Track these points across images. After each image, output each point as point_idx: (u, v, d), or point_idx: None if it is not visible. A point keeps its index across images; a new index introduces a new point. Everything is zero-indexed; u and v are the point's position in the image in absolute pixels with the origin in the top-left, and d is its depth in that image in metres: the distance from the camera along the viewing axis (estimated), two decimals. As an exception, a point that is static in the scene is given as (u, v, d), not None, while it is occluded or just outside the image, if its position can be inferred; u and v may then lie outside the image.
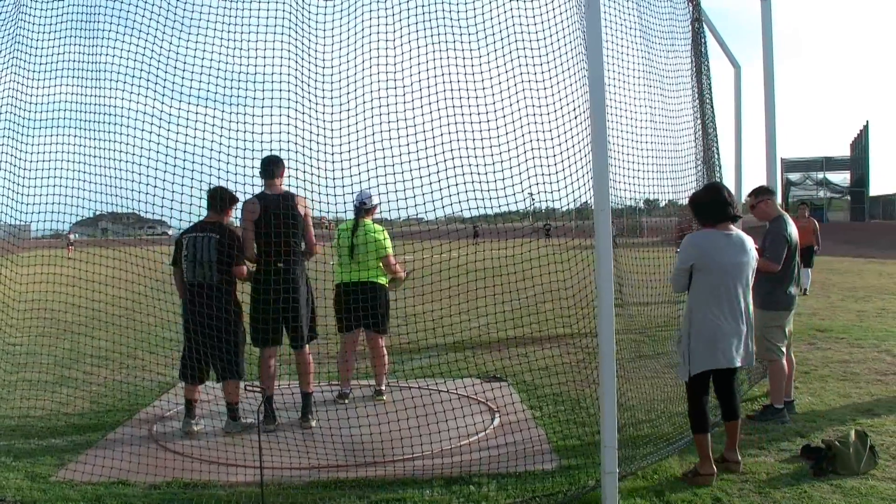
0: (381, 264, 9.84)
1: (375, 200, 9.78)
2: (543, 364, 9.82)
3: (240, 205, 8.59)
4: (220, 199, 8.53)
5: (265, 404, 8.51)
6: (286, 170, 8.63)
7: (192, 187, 7.95)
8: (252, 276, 8.67)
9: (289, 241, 8.49)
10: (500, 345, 12.09)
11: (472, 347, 11.83)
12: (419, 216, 7.36)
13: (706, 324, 6.85)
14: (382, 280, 9.94)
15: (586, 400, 9.12)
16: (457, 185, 6.99)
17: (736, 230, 7.04)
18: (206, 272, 8.41)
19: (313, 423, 8.80)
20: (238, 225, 8.82)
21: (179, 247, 8.60)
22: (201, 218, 8.59)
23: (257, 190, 8.56)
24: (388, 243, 9.94)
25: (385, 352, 10.16)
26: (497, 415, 8.97)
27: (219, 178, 7.32)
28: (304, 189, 7.49)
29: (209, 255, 8.40)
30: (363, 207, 9.77)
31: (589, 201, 6.48)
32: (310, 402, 8.95)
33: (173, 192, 7.52)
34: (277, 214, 8.43)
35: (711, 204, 7.05)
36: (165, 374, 10.41)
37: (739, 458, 7.19)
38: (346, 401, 9.74)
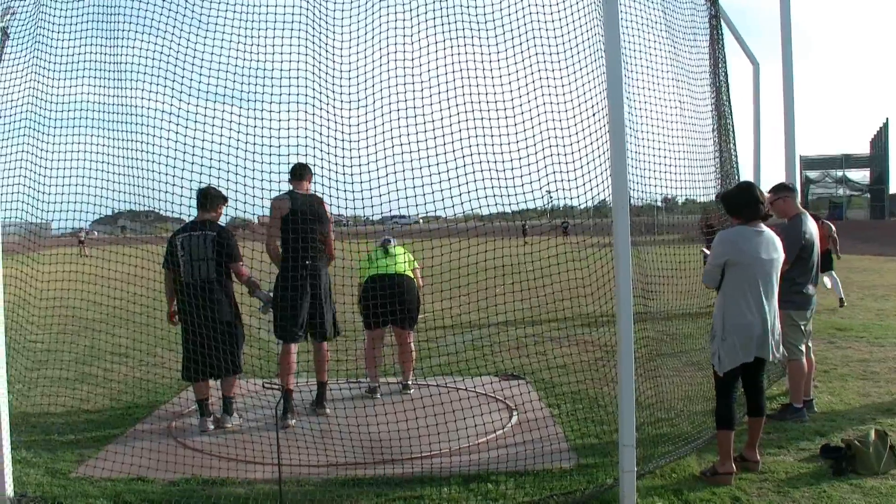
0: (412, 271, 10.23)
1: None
2: (562, 362, 9.80)
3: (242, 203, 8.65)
4: (211, 197, 8.61)
5: (283, 399, 8.54)
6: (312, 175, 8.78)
7: (209, 185, 8.02)
8: (248, 278, 8.74)
9: (315, 239, 8.63)
10: (519, 342, 12.06)
11: (490, 345, 11.80)
12: (437, 213, 7.34)
13: (738, 319, 6.82)
14: (411, 275, 10.19)
15: (605, 398, 9.09)
16: (475, 181, 6.98)
17: (767, 228, 7.02)
18: (204, 269, 8.43)
19: (328, 411, 8.89)
20: (224, 224, 8.92)
21: (173, 247, 8.59)
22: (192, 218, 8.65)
23: (273, 186, 8.55)
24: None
25: (413, 347, 10.29)
26: (515, 413, 8.94)
27: (236, 174, 7.31)
28: (322, 185, 7.49)
29: (206, 252, 8.44)
30: (387, 245, 10.22)
31: (607, 199, 6.45)
32: (324, 390, 9.11)
33: (192, 189, 7.54)
34: (305, 212, 8.59)
35: (744, 202, 7.03)
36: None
37: (758, 457, 7.14)
38: (378, 395, 9.79)
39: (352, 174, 7.28)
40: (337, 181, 7.37)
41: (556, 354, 10.50)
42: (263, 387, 7.36)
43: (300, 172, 8.85)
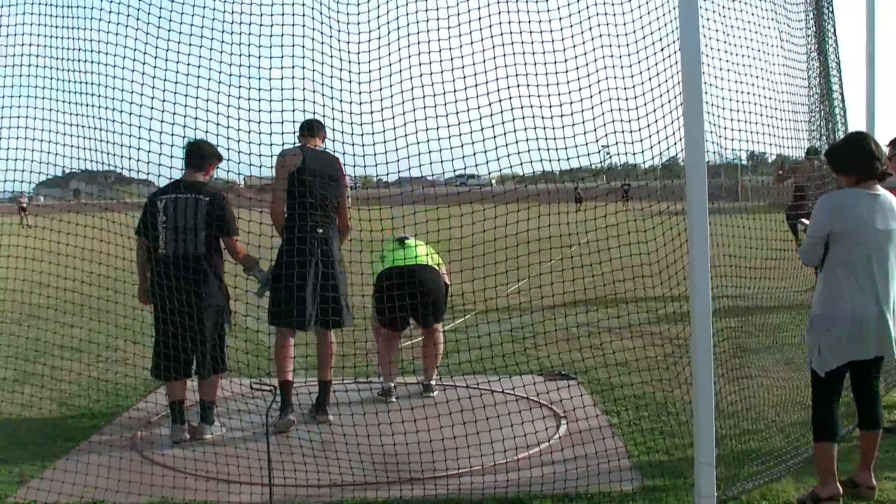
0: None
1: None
2: (622, 358, 9.72)
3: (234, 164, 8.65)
4: (203, 154, 8.61)
5: (282, 392, 8.62)
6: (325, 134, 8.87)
7: (184, 137, 7.97)
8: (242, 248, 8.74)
9: (328, 206, 8.74)
10: (568, 334, 12.00)
11: (532, 336, 11.75)
12: (467, 171, 7.27)
13: (846, 306, 6.66)
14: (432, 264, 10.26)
15: (676, 404, 9.06)
16: (514, 130, 6.91)
17: (884, 191, 6.82)
18: (191, 243, 8.39)
19: (331, 417, 8.96)
20: (217, 186, 8.90)
21: (153, 211, 8.51)
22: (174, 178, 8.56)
23: (263, 139, 8.53)
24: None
25: (441, 339, 10.41)
26: (564, 421, 8.95)
27: (217, 124, 7.29)
28: (326, 139, 7.45)
29: (195, 220, 8.39)
30: (404, 239, 10.24)
31: (678, 156, 6.38)
32: (328, 391, 9.14)
33: (160, 143, 7.49)
34: (318, 171, 8.64)
35: (855, 157, 6.84)
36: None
37: (874, 481, 6.99)
38: (394, 398, 9.92)
39: (360, 123, 7.25)
40: (343, 132, 7.33)
41: (615, 349, 10.42)
42: (252, 388, 7.36)
43: (312, 127, 8.88)
